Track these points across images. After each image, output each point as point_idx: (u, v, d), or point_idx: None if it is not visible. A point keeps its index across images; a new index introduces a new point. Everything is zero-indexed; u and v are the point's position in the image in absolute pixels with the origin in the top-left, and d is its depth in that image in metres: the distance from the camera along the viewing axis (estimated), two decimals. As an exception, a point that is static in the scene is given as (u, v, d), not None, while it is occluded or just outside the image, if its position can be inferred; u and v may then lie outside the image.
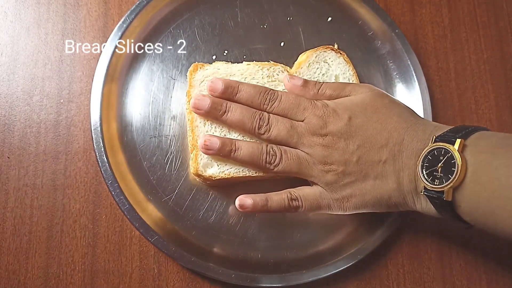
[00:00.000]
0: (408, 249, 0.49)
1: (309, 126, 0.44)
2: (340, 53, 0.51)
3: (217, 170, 0.45)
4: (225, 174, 0.45)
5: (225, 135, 0.46)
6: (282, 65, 0.49)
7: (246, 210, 0.44)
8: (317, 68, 0.50)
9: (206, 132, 0.46)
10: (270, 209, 0.44)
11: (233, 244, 0.47)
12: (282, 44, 0.53)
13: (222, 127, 0.47)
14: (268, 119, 0.45)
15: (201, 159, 0.46)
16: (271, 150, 0.44)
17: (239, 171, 0.45)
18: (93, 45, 0.52)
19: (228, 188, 0.48)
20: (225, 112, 0.45)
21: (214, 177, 0.45)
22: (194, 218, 0.47)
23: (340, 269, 0.46)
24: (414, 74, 0.53)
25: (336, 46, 0.51)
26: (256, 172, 0.46)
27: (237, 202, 0.45)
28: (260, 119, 0.45)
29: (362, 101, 0.45)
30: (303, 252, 0.47)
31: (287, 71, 0.49)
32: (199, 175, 0.46)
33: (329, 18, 0.54)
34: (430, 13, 0.58)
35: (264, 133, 0.45)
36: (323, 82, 0.47)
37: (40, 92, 0.50)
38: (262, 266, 0.46)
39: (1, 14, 0.52)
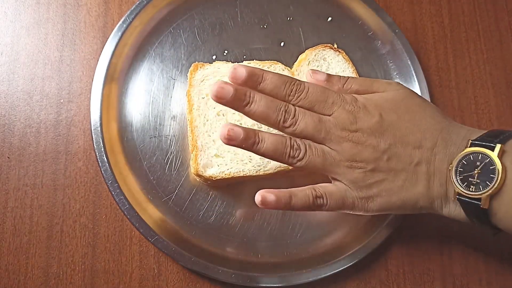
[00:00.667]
0: (408, 249, 0.49)
1: (337, 121, 0.42)
2: (339, 51, 0.51)
3: (217, 170, 0.45)
4: (225, 174, 0.45)
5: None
6: (282, 64, 0.50)
7: (268, 207, 0.41)
8: (317, 66, 0.50)
9: (205, 132, 0.46)
10: (293, 207, 0.41)
11: (233, 244, 0.47)
12: (282, 44, 0.53)
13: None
14: (295, 112, 0.42)
15: (201, 159, 0.46)
16: (295, 144, 0.42)
17: (240, 171, 0.45)
18: (93, 45, 0.52)
19: (228, 188, 0.48)
20: (249, 103, 0.41)
21: (214, 177, 0.45)
22: (194, 218, 0.47)
23: (340, 269, 0.46)
24: (414, 74, 0.53)
25: (335, 45, 0.52)
26: (256, 172, 0.46)
27: (257, 197, 0.41)
28: (285, 111, 0.42)
29: (393, 98, 0.43)
30: (303, 252, 0.47)
31: (288, 70, 0.49)
32: (199, 175, 0.46)
33: (329, 18, 0.54)
34: (430, 13, 0.58)
35: (289, 127, 0.42)
36: (348, 77, 0.45)
37: (40, 92, 0.50)
38: (262, 266, 0.46)
39: (1, 14, 0.52)
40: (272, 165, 0.46)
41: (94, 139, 0.47)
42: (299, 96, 0.43)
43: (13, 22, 0.52)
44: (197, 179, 0.47)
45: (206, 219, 0.47)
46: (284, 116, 0.42)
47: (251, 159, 0.46)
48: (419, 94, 0.52)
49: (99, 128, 0.47)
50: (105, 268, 0.46)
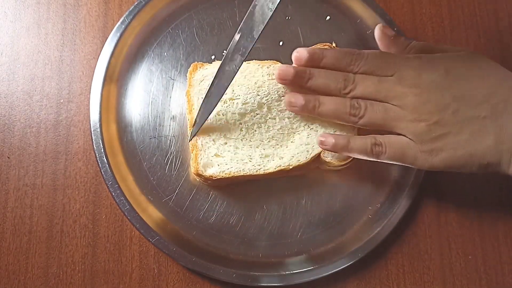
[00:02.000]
0: (408, 249, 0.49)
1: (400, 78, 0.43)
2: None
3: (218, 169, 0.45)
4: (225, 173, 0.45)
5: (225, 134, 0.46)
6: (282, 63, 0.49)
7: (326, 148, 0.44)
8: None
9: (205, 131, 0.46)
10: (350, 151, 0.43)
11: (233, 244, 0.47)
12: (281, 43, 0.53)
13: (223, 126, 0.47)
14: (354, 79, 0.44)
15: (201, 159, 0.46)
16: (355, 103, 0.44)
17: (240, 170, 0.45)
18: (93, 45, 0.52)
19: (228, 188, 0.48)
20: (309, 79, 0.45)
21: (215, 177, 0.45)
22: (195, 218, 0.47)
23: (340, 268, 0.46)
24: (414, 74, 0.52)
25: (334, 45, 0.51)
26: (256, 171, 0.46)
27: (319, 138, 0.44)
28: (345, 80, 0.44)
29: (459, 55, 0.44)
30: (303, 252, 0.47)
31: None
32: (199, 175, 0.46)
33: (328, 17, 0.54)
34: (430, 13, 0.58)
35: (349, 92, 0.44)
36: (413, 40, 0.46)
37: (40, 92, 0.50)
38: (262, 265, 0.46)
39: (1, 14, 0.52)
40: (272, 165, 0.46)
41: (93, 140, 0.47)
42: (359, 64, 0.45)
43: (13, 22, 0.52)
44: (197, 179, 0.47)
45: (207, 219, 0.47)
46: (344, 83, 0.44)
47: (251, 159, 0.46)
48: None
49: (98, 129, 0.47)
50: (105, 268, 0.46)
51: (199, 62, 0.49)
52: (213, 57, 0.52)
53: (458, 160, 0.42)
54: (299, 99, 0.45)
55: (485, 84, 0.42)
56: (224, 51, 0.52)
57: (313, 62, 0.45)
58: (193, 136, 0.46)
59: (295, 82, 0.45)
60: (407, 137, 0.43)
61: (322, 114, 0.45)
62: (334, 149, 0.44)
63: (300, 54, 0.45)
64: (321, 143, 0.44)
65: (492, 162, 0.41)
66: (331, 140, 0.44)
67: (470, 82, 0.42)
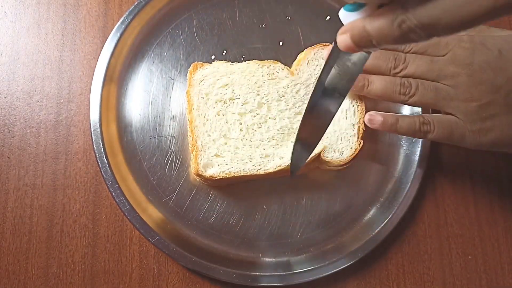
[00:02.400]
0: (408, 249, 0.49)
1: (452, 58, 0.43)
2: None
3: (218, 170, 0.45)
4: (225, 173, 0.45)
5: (225, 134, 0.47)
6: (282, 63, 0.49)
7: (374, 126, 0.44)
8: (317, 65, 0.50)
9: (205, 132, 0.46)
10: (398, 130, 0.43)
11: (233, 244, 0.47)
12: (281, 43, 0.53)
13: (223, 126, 0.47)
14: (405, 58, 0.44)
15: (202, 159, 0.46)
16: (405, 82, 0.43)
17: (240, 170, 0.45)
18: (93, 45, 0.52)
19: (228, 188, 0.48)
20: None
21: (215, 177, 0.45)
22: (195, 218, 0.47)
23: (340, 268, 0.46)
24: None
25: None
26: (256, 171, 0.46)
27: (366, 116, 0.44)
28: (395, 59, 0.44)
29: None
30: (303, 252, 0.47)
31: (287, 69, 0.49)
32: (199, 175, 0.46)
33: (328, 17, 0.54)
34: (430, 12, 0.58)
35: (400, 71, 0.44)
36: None
37: (40, 92, 0.50)
38: (262, 265, 0.46)
39: (1, 14, 0.52)
40: (272, 164, 0.46)
41: (93, 140, 0.47)
42: (411, 44, 0.44)
43: (13, 22, 0.52)
44: (197, 179, 0.47)
45: (207, 219, 0.47)
46: (395, 63, 0.44)
47: (251, 159, 0.46)
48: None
49: (98, 129, 0.47)
50: (105, 268, 0.46)
51: (199, 62, 0.49)
52: (213, 57, 0.52)
53: (505, 140, 0.42)
54: None
55: None
56: (224, 51, 0.52)
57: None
58: (294, 173, 0.43)
59: None
60: (456, 116, 0.43)
61: (371, 93, 0.45)
62: (382, 127, 0.44)
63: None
64: (369, 121, 0.44)
65: None
66: (379, 119, 0.44)
67: None
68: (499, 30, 0.46)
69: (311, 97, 0.40)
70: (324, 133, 0.41)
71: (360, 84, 0.44)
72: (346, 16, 0.32)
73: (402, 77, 0.44)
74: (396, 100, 0.44)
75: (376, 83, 0.44)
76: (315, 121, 0.41)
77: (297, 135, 0.42)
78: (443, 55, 0.44)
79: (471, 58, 0.42)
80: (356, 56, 0.36)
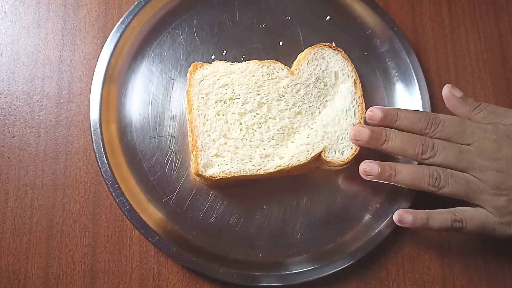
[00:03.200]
0: (408, 249, 0.49)
1: (479, 150, 0.44)
2: (338, 50, 0.51)
3: (218, 170, 0.45)
4: (225, 173, 0.45)
5: (225, 134, 0.47)
6: (282, 63, 0.49)
7: (405, 225, 0.45)
8: (317, 65, 0.50)
9: (205, 132, 0.46)
10: (430, 228, 0.44)
11: (233, 244, 0.47)
12: (281, 43, 0.53)
13: (223, 126, 0.47)
14: (433, 145, 0.44)
15: (202, 159, 0.46)
16: (434, 172, 0.44)
17: (240, 170, 0.45)
18: (93, 45, 0.52)
19: (228, 188, 0.48)
20: (385, 141, 0.45)
21: (215, 177, 0.45)
22: (195, 218, 0.47)
23: (340, 268, 0.46)
24: (413, 73, 0.52)
25: (334, 44, 0.51)
26: (256, 171, 0.46)
27: (395, 216, 0.45)
28: (423, 145, 0.44)
29: None
30: (303, 252, 0.47)
31: (287, 69, 0.49)
32: (199, 175, 0.46)
33: (328, 17, 0.54)
34: (430, 13, 0.58)
35: (428, 158, 0.44)
36: (482, 102, 0.47)
37: (40, 92, 0.50)
38: (262, 265, 0.46)
39: (1, 14, 0.52)
40: (272, 165, 0.46)
41: (93, 140, 0.47)
42: (435, 129, 0.45)
43: (13, 22, 0.52)
44: (197, 179, 0.47)
45: (207, 219, 0.47)
46: (422, 149, 0.44)
47: (251, 159, 0.46)
48: (418, 93, 0.52)
49: (98, 129, 0.47)
50: (105, 268, 0.46)
51: (199, 62, 0.49)
52: (213, 57, 0.52)
53: None
54: (374, 168, 0.44)
55: None
56: (224, 51, 0.52)
57: (387, 122, 0.45)
58: None
59: (370, 144, 0.45)
60: (486, 209, 0.44)
61: (399, 182, 0.45)
62: (412, 226, 0.44)
63: (374, 113, 0.46)
64: (399, 222, 0.45)
65: None
66: (409, 218, 0.44)
67: None
68: None
69: None
70: None
71: (387, 174, 0.44)
72: None
73: (431, 164, 0.44)
74: (425, 189, 0.44)
75: (404, 174, 0.44)
76: None
77: None
78: (468, 144, 0.44)
79: (498, 152, 0.43)
80: None
